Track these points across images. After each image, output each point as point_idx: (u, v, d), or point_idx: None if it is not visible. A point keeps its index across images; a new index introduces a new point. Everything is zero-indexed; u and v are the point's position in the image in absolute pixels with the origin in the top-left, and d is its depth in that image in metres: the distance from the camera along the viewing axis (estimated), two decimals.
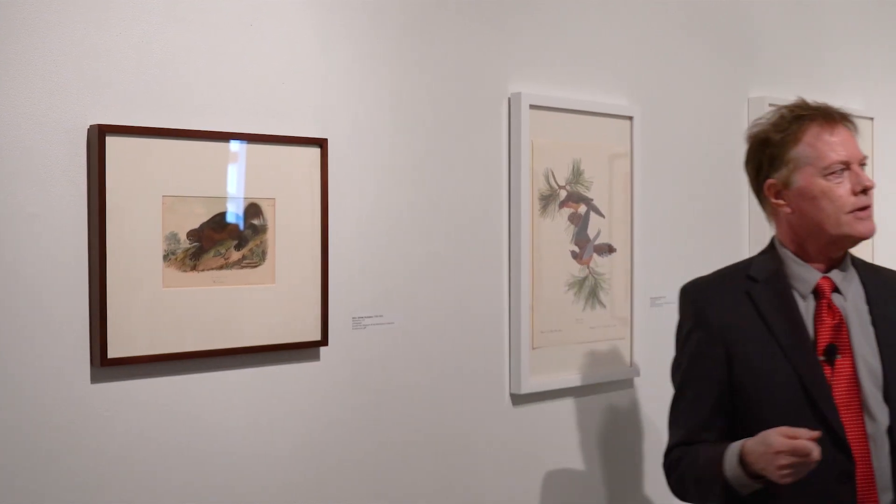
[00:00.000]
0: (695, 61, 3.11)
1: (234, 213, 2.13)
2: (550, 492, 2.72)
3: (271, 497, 2.20)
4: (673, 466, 2.15)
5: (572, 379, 2.74)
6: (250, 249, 2.15)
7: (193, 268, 2.07)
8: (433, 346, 2.48)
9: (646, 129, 2.93)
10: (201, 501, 2.10)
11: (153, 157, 2.02)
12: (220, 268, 2.11)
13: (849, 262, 2.13)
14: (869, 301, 2.10)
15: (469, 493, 2.55)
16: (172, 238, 2.04)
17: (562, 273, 2.71)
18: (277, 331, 2.19)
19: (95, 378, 1.97)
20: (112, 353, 1.96)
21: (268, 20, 2.20)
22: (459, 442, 2.53)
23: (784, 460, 1.83)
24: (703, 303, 2.13)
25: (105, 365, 1.95)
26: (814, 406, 1.98)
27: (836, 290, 2.08)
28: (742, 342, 2.07)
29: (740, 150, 3.32)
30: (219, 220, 2.11)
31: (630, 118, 2.87)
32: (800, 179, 2.06)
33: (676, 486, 2.17)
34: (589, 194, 2.77)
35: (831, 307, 2.06)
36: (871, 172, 2.15)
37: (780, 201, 2.10)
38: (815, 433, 1.85)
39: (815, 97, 3.49)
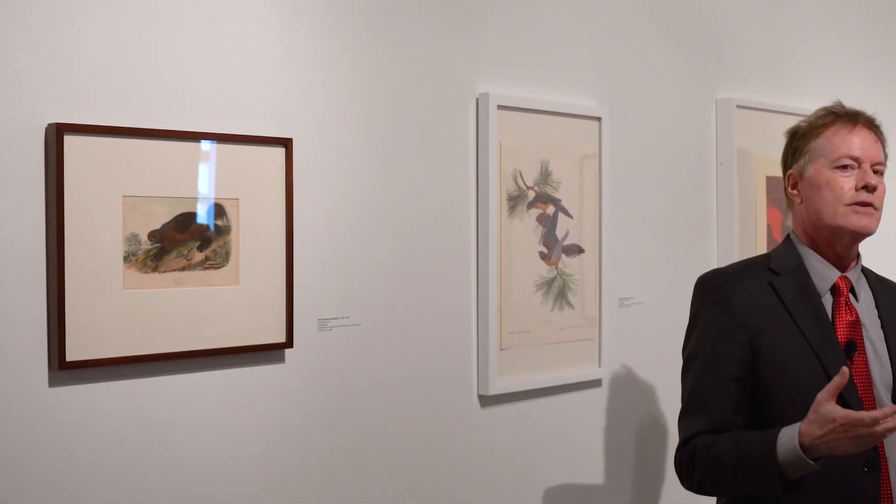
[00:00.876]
0: (663, 62, 3.11)
1: (197, 214, 2.10)
2: (518, 493, 2.71)
3: (235, 499, 2.17)
4: (699, 455, 2.02)
5: (541, 380, 2.73)
6: (213, 250, 2.12)
7: (155, 269, 2.04)
8: (400, 347, 2.46)
9: (614, 129, 2.93)
10: None
11: (113, 156, 1.98)
12: (183, 269, 2.08)
13: (860, 266, 2.18)
14: (878, 305, 2.15)
15: (437, 494, 2.53)
16: (133, 239, 2.01)
17: (530, 274, 2.70)
18: (241, 333, 2.16)
19: (54, 381, 1.93)
20: (71, 356, 1.93)
21: (232, 19, 2.17)
22: (427, 444, 2.51)
23: (854, 431, 1.81)
24: (728, 290, 2.10)
25: (63, 368, 1.92)
26: (840, 398, 1.95)
27: (851, 290, 2.13)
28: (768, 332, 2.06)
29: (709, 150, 3.34)
30: (181, 221, 2.08)
31: (598, 119, 2.87)
32: (812, 170, 2.11)
33: (702, 477, 2.04)
34: (557, 195, 2.76)
35: (849, 305, 2.10)
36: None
37: (795, 191, 2.15)
38: (844, 375, 1.84)
39: (782, 98, 3.52)
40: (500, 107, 2.61)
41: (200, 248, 2.11)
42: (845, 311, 2.09)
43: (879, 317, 2.14)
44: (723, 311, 2.09)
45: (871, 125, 2.15)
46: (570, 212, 2.80)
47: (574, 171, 2.81)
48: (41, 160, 1.92)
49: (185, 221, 2.08)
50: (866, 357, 2.07)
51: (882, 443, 2.00)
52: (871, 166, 2.09)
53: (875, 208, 2.08)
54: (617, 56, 2.97)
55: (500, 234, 2.62)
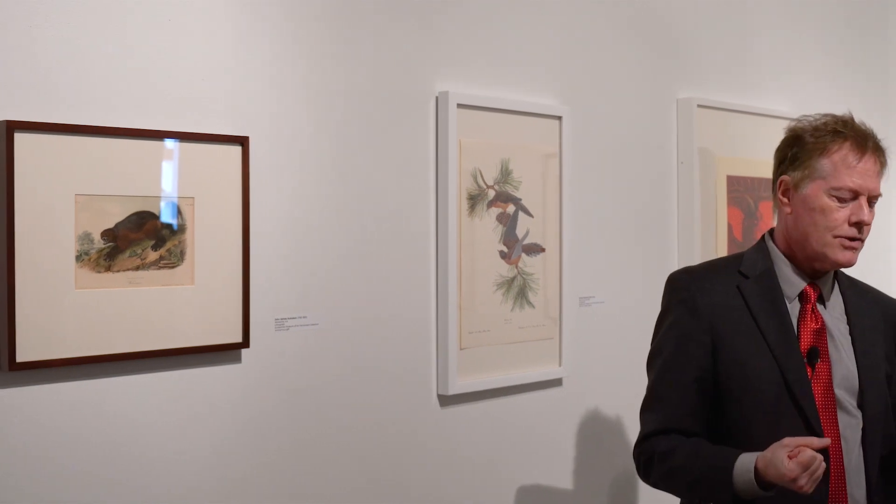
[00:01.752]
0: (624, 62, 3.12)
1: (151, 213, 2.07)
2: (479, 493, 2.70)
3: (192, 499, 2.15)
4: (657, 460, 2.08)
5: (501, 379, 2.72)
6: (168, 250, 2.10)
7: (108, 268, 2.02)
8: (359, 347, 2.44)
9: (575, 128, 2.93)
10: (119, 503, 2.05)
11: (66, 154, 1.96)
12: (137, 268, 2.06)
13: (832, 274, 2.19)
14: (848, 313, 2.17)
15: (396, 494, 2.52)
16: (86, 238, 1.98)
17: (490, 273, 2.69)
18: (197, 333, 2.14)
19: (4, 383, 1.90)
20: (21, 356, 1.90)
21: (187, 16, 2.15)
22: (386, 444, 2.50)
23: (802, 481, 1.87)
24: (694, 290, 2.13)
25: (14, 369, 1.89)
26: (796, 404, 2.03)
27: (819, 298, 2.14)
28: (730, 335, 2.09)
29: (670, 149, 3.35)
30: (135, 220, 2.05)
31: (559, 118, 2.87)
32: (809, 188, 2.10)
33: (658, 481, 2.12)
34: (518, 194, 2.76)
35: (815, 312, 2.12)
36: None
37: (785, 199, 2.15)
38: (825, 442, 1.92)
39: (742, 98, 3.53)
40: (459, 105, 2.60)
41: (155, 248, 2.08)
42: (811, 318, 2.11)
43: (848, 323, 2.15)
44: (688, 310, 2.12)
45: (879, 152, 2.12)
46: (531, 211, 2.80)
47: (535, 170, 2.81)
48: None
49: (140, 220, 2.06)
50: (829, 365, 2.08)
51: (831, 453, 2.01)
52: (868, 198, 2.09)
53: (862, 242, 2.10)
54: (578, 55, 2.97)
55: (460, 233, 2.61)
